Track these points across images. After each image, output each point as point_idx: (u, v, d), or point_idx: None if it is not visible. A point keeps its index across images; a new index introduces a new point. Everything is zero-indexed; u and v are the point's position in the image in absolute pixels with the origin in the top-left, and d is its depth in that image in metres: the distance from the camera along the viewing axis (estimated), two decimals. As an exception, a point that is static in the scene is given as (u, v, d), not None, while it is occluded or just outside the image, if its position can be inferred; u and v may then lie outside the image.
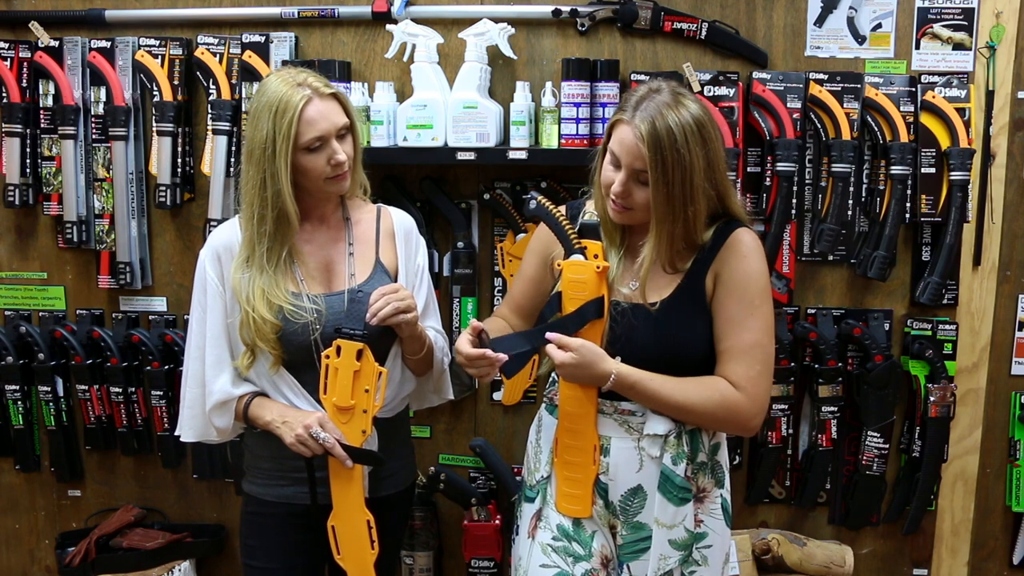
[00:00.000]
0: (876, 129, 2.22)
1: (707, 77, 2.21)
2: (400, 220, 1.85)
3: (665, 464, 1.60)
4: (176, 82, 2.34)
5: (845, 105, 2.20)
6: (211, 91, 2.32)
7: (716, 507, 1.66)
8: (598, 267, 1.58)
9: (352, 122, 1.73)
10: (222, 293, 1.73)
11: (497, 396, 2.43)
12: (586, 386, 1.61)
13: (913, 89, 2.22)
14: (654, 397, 1.57)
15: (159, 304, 2.47)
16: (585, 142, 2.19)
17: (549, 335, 1.57)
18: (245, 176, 1.69)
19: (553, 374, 1.73)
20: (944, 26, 2.25)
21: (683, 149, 1.49)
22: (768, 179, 2.22)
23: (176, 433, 1.85)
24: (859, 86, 2.20)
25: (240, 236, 1.73)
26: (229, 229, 1.77)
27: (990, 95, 2.26)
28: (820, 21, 2.27)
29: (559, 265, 1.61)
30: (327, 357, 1.66)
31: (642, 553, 1.64)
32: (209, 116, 2.31)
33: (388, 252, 1.81)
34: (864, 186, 2.26)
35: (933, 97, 2.21)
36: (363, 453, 1.67)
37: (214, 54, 2.32)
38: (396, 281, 1.80)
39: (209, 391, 1.73)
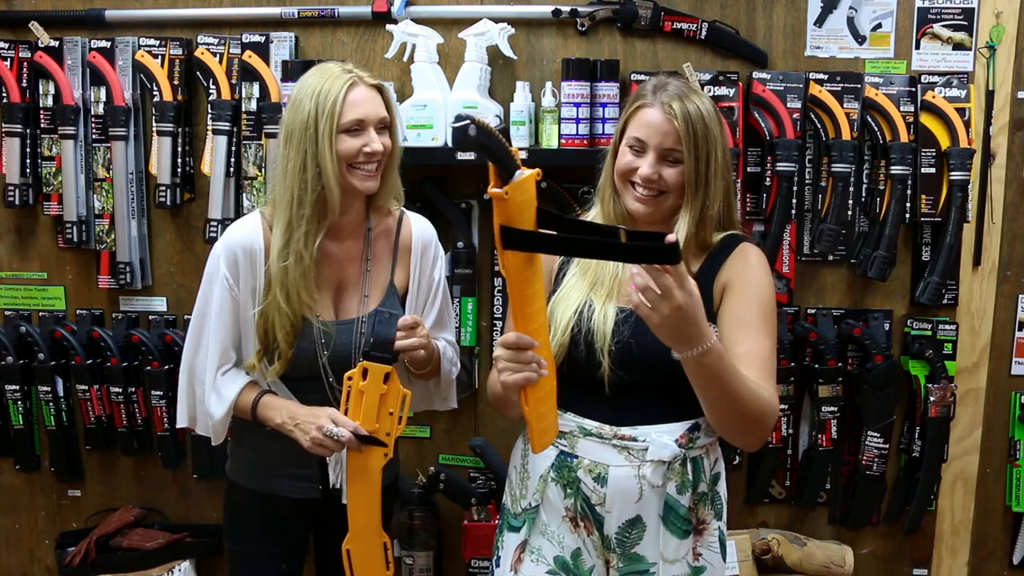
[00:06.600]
0: (876, 129, 2.22)
1: (707, 77, 2.21)
2: (419, 232, 1.81)
3: (670, 494, 1.54)
4: (176, 82, 2.33)
5: (845, 105, 2.20)
6: (211, 91, 2.32)
7: (714, 540, 1.60)
8: (538, 177, 1.38)
9: (392, 121, 1.70)
10: (236, 295, 1.69)
11: (497, 396, 2.43)
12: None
13: (913, 89, 2.22)
14: (732, 379, 1.38)
15: (159, 304, 2.47)
16: (585, 142, 2.19)
17: (671, 270, 1.23)
18: (283, 160, 1.64)
19: None
20: (944, 26, 2.25)
21: (710, 123, 1.53)
22: (768, 179, 2.22)
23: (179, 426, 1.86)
24: (859, 86, 2.20)
25: (261, 237, 1.68)
26: (250, 228, 1.70)
27: (990, 95, 2.26)
28: (820, 21, 2.27)
29: (507, 193, 1.36)
30: (349, 379, 1.61)
31: None
32: (209, 116, 2.30)
33: (402, 271, 1.79)
34: (864, 186, 2.26)
35: (933, 97, 2.21)
36: (371, 438, 1.63)
37: (214, 54, 2.32)
38: (404, 299, 1.78)
39: (209, 402, 1.73)
